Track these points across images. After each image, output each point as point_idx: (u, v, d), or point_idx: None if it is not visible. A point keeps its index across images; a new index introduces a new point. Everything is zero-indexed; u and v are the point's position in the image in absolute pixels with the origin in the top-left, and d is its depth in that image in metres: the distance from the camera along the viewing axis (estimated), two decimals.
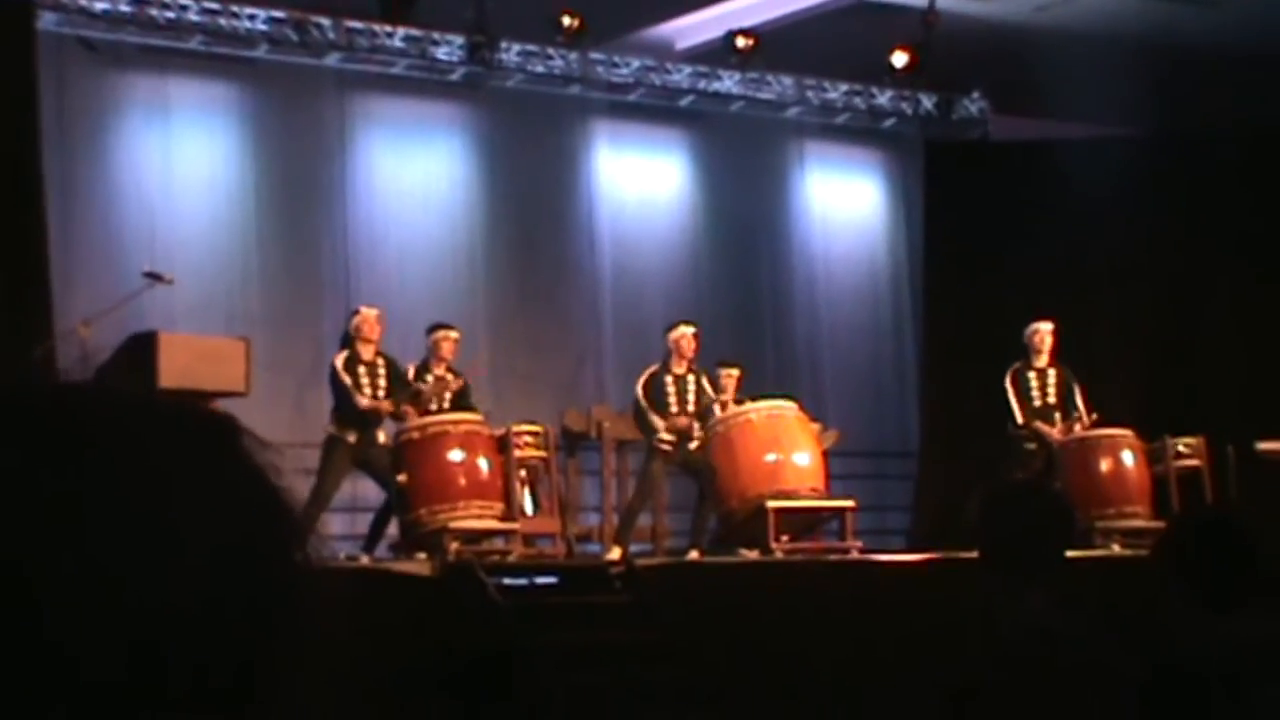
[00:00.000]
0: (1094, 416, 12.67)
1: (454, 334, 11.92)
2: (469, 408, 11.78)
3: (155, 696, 0.86)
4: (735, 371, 12.69)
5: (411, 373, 11.68)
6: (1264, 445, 12.71)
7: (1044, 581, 3.55)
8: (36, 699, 0.84)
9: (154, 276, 11.39)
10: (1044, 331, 12.91)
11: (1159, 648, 3.46)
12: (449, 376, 11.78)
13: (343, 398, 11.38)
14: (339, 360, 11.49)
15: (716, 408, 12.29)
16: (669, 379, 12.16)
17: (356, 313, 11.77)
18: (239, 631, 0.88)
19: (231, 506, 0.90)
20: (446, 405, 11.70)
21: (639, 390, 12.16)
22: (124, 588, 0.85)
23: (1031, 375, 12.87)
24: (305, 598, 0.91)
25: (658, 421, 11.97)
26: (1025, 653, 3.44)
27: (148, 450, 0.90)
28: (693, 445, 12.06)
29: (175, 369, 10.18)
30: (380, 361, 11.54)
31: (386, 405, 11.38)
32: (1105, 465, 12.64)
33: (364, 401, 11.31)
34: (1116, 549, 12.13)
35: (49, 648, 0.84)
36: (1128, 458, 12.67)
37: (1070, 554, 3.86)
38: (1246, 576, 3.46)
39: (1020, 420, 12.74)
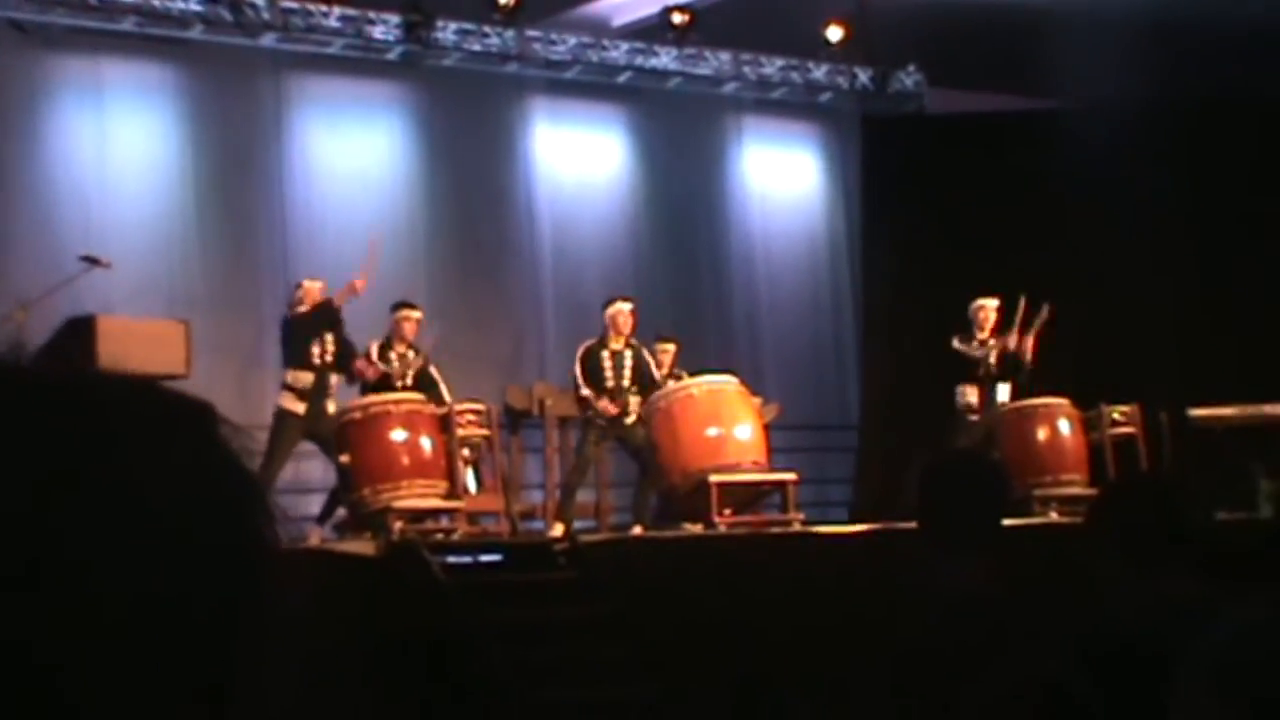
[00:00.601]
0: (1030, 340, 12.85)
1: (415, 314, 11.97)
2: (432, 384, 11.80)
3: (129, 686, 0.86)
4: (671, 346, 12.76)
5: (375, 351, 11.71)
6: (1197, 412, 12.87)
7: (981, 550, 3.61)
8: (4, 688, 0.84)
9: (91, 260, 11.32)
10: (989, 308, 13.04)
11: (1092, 613, 3.52)
12: (411, 355, 11.83)
13: (297, 346, 11.43)
14: (294, 314, 11.58)
15: (654, 382, 12.35)
16: (605, 354, 12.23)
17: (299, 286, 11.81)
18: (215, 618, 0.89)
19: (207, 492, 0.92)
20: (410, 383, 11.73)
21: (576, 367, 12.22)
22: (96, 573, 0.86)
23: (974, 343, 13.04)
24: (280, 583, 0.93)
25: (591, 396, 12.07)
26: (963, 621, 3.50)
27: (125, 434, 0.91)
28: (629, 420, 12.12)
29: (114, 353, 10.11)
30: (329, 335, 11.60)
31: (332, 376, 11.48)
32: (1042, 434, 12.77)
33: (316, 357, 11.40)
34: (1054, 516, 12.26)
35: (16, 634, 0.84)
36: (1064, 426, 12.81)
37: (1008, 522, 3.93)
38: (1177, 541, 3.53)
39: (973, 392, 12.90)
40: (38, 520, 0.87)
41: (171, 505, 0.90)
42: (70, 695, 0.85)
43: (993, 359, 12.98)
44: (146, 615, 0.87)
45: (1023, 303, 12.82)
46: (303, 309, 11.62)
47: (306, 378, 11.41)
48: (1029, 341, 12.81)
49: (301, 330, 11.51)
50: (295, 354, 11.47)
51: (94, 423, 0.91)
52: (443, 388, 11.86)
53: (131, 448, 0.90)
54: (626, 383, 12.17)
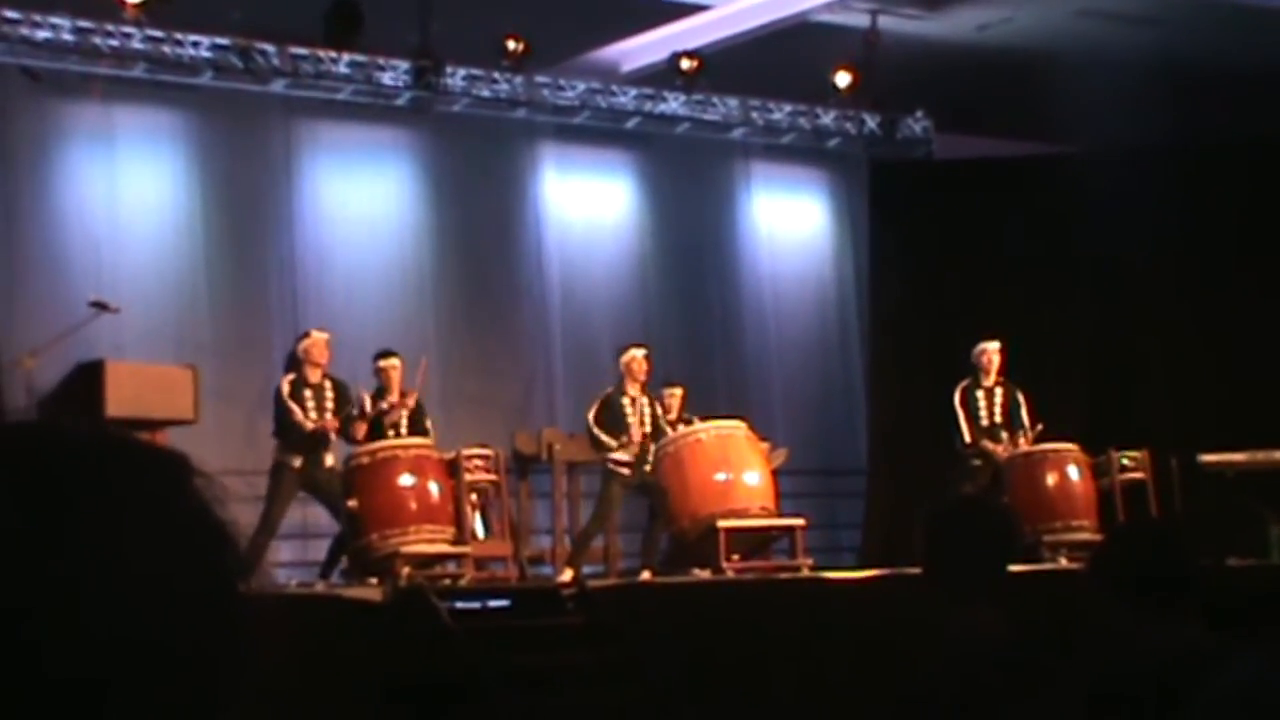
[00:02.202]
0: (1039, 427, 12.77)
1: (395, 361, 11.89)
2: (423, 430, 11.76)
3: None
4: (679, 391, 12.76)
5: (368, 403, 11.66)
6: (1207, 458, 12.84)
7: (987, 596, 3.60)
8: None
9: (100, 305, 11.35)
10: (991, 351, 13.00)
11: (1097, 660, 3.51)
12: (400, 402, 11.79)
13: (285, 421, 11.36)
14: (285, 384, 11.48)
15: (666, 428, 12.35)
16: (625, 400, 12.21)
17: (306, 335, 11.74)
18: (185, 664, 0.91)
19: (179, 543, 0.93)
20: (404, 430, 11.69)
21: (590, 417, 12.19)
22: (75, 621, 0.88)
23: (980, 394, 12.96)
24: (250, 631, 0.94)
25: (612, 442, 12.02)
26: (968, 667, 3.48)
27: (101, 487, 0.92)
28: (648, 467, 12.10)
29: (123, 398, 10.14)
30: (327, 384, 11.52)
31: (332, 423, 11.35)
32: (1051, 479, 12.74)
33: (309, 424, 11.30)
34: (1064, 562, 12.22)
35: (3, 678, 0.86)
36: (1073, 472, 12.77)
37: (1016, 568, 3.91)
38: (1184, 587, 3.52)
39: (968, 439, 12.83)
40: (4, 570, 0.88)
41: (141, 555, 0.91)
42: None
43: (996, 407, 12.94)
44: (117, 659, 0.89)
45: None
46: (312, 373, 11.50)
47: (304, 433, 11.33)
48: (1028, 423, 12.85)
49: (306, 392, 11.44)
50: (298, 409, 11.39)
51: (65, 475, 0.92)
52: (431, 434, 11.79)
53: (102, 499, 0.92)
54: (648, 429, 12.16)
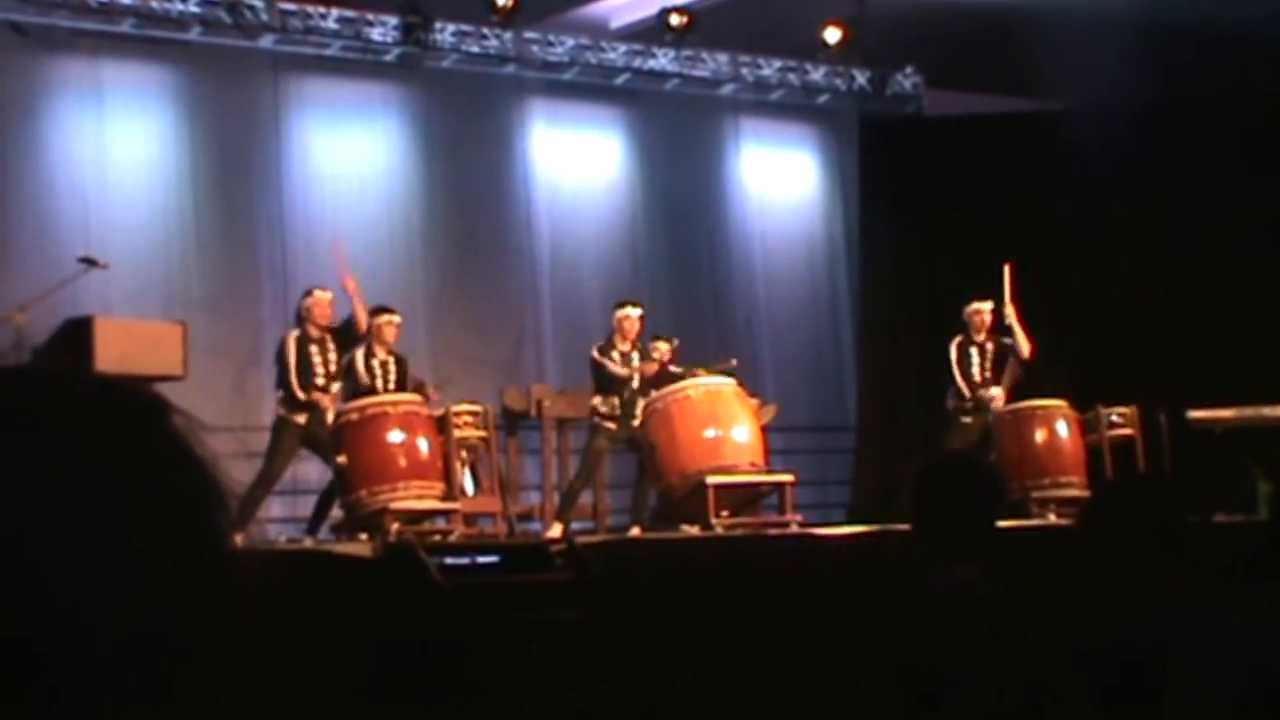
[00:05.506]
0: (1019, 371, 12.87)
1: (396, 319, 11.89)
2: (414, 386, 11.79)
3: (81, 673, 0.87)
4: (664, 345, 12.75)
5: (360, 359, 11.65)
6: (1196, 414, 12.87)
7: (975, 552, 3.62)
8: None
9: (89, 261, 11.33)
10: (984, 311, 13.05)
11: (1087, 615, 3.53)
12: (391, 362, 11.78)
13: (285, 379, 11.38)
14: (291, 337, 11.49)
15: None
16: (616, 355, 12.26)
17: (308, 294, 11.73)
18: (169, 605, 0.90)
19: (160, 481, 0.92)
20: (392, 387, 11.70)
21: (594, 353, 12.26)
22: (52, 562, 0.87)
23: (973, 349, 13.02)
24: (233, 571, 0.94)
25: (620, 371, 12.10)
26: (956, 623, 3.50)
27: (80, 425, 0.92)
28: (636, 422, 12.13)
29: (112, 354, 10.13)
30: (329, 340, 11.55)
31: (327, 400, 11.34)
32: (1040, 436, 12.77)
33: (302, 395, 11.31)
34: (1052, 518, 12.26)
35: None
36: (1062, 428, 12.80)
37: (1005, 524, 3.93)
38: (1172, 543, 3.53)
39: (966, 392, 12.88)
40: None
41: (120, 492, 0.91)
42: (27, 678, 0.86)
43: (988, 363, 12.99)
44: (104, 602, 0.88)
45: (1007, 272, 12.88)
46: (315, 330, 11.52)
47: (309, 390, 11.34)
48: (1013, 310, 12.87)
49: (311, 347, 11.44)
50: (303, 369, 11.39)
51: (45, 416, 0.91)
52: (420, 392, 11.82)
53: (82, 438, 0.91)
54: (636, 386, 12.20)
